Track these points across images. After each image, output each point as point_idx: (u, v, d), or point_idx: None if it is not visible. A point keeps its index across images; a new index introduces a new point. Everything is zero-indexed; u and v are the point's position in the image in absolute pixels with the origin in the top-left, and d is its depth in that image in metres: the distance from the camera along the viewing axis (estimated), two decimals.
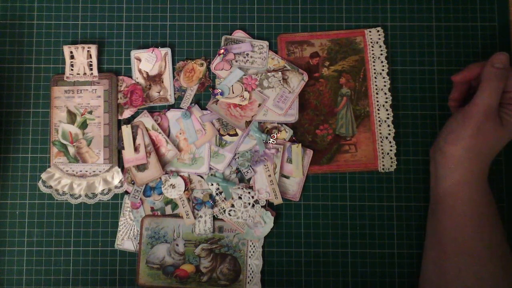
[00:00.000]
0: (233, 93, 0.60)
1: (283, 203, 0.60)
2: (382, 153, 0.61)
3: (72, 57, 0.61)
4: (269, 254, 0.60)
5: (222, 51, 0.60)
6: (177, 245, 0.59)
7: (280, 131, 0.60)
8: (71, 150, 0.60)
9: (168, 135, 0.60)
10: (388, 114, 0.61)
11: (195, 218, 0.59)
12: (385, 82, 0.61)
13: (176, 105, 0.61)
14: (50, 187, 0.60)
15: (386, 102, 0.61)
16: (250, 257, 0.60)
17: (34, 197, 0.61)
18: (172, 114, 0.61)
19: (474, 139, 0.53)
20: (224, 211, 0.59)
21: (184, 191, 0.59)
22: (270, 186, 0.59)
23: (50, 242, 0.60)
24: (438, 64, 0.62)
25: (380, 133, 0.61)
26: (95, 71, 0.61)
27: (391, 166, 0.60)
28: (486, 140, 0.53)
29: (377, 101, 0.61)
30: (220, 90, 0.60)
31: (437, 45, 0.62)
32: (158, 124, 0.60)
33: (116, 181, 0.60)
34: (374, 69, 0.61)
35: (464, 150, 0.53)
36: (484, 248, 0.53)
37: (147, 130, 0.60)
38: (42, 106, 0.61)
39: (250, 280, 0.59)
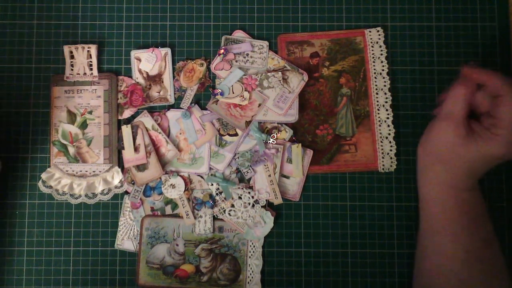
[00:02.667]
0: (233, 93, 0.60)
1: (283, 203, 0.60)
2: (382, 153, 0.60)
3: (72, 57, 0.61)
4: (269, 254, 0.60)
5: (222, 51, 0.60)
6: (177, 245, 0.59)
7: (280, 131, 0.60)
8: (71, 150, 0.60)
9: (168, 135, 0.60)
10: (388, 114, 0.61)
11: (195, 218, 0.59)
12: (385, 82, 0.61)
13: (176, 105, 0.61)
14: (50, 187, 0.60)
15: (386, 102, 0.61)
16: (250, 257, 0.60)
17: (34, 197, 0.61)
18: (172, 114, 0.61)
19: (428, 139, 0.54)
20: (224, 211, 0.59)
21: (184, 191, 0.59)
22: (270, 186, 0.59)
23: (50, 242, 0.60)
24: (438, 64, 0.62)
25: (380, 133, 0.61)
26: (95, 71, 0.61)
27: (391, 166, 0.60)
28: (444, 144, 0.52)
29: (377, 101, 0.61)
30: (220, 90, 0.60)
31: (437, 45, 0.62)
32: (158, 124, 0.60)
33: (116, 181, 0.60)
34: (374, 69, 0.61)
35: (423, 151, 0.55)
36: (463, 252, 0.52)
37: (147, 130, 0.60)
38: (42, 106, 0.61)
39: (250, 280, 0.59)
